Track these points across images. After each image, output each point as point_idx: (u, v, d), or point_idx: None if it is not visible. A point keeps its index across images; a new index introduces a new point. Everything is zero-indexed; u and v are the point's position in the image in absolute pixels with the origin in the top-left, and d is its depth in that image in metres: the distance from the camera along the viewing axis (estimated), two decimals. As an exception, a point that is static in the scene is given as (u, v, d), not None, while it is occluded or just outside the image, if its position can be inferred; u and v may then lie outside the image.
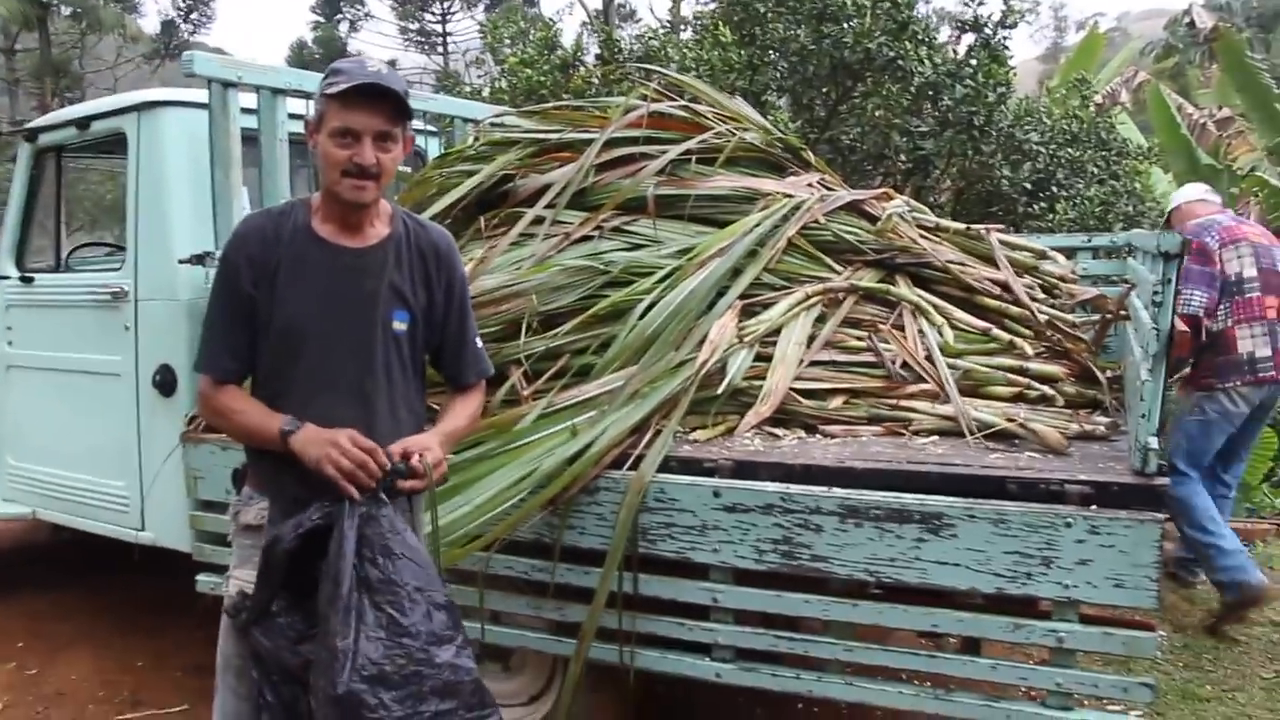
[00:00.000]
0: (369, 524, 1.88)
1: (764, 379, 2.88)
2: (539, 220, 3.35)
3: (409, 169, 4.18)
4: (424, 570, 1.91)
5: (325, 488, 1.92)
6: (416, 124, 4.27)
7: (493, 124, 4.05)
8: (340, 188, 2.02)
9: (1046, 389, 2.91)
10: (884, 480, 2.38)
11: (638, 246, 3.29)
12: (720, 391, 2.80)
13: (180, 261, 3.25)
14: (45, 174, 4.15)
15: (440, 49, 33.70)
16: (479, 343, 2.32)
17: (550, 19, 7.21)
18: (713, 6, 7.09)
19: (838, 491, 2.35)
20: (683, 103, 3.83)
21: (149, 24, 28.68)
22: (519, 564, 2.66)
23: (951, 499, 2.28)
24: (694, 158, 3.52)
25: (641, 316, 2.94)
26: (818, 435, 2.79)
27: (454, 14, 34.29)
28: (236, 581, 2.10)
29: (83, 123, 3.82)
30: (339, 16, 33.88)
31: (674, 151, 3.47)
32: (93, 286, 3.76)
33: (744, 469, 2.49)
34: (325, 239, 2.10)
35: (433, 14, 34.08)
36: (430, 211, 3.46)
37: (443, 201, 3.51)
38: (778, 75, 6.43)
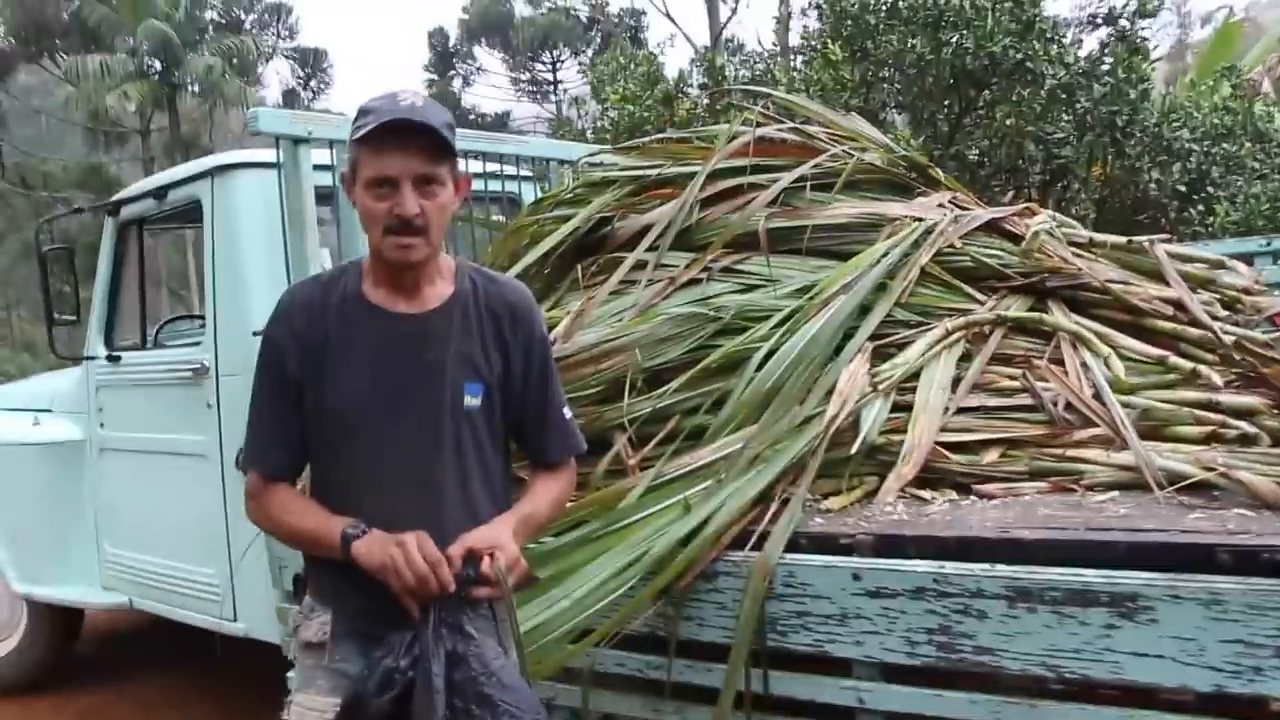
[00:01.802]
0: (457, 668, 1.65)
1: (904, 432, 2.52)
2: (640, 265, 3.08)
3: (502, 218, 3.98)
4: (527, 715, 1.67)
5: (393, 600, 1.68)
6: (510, 169, 4.07)
7: (589, 164, 3.82)
8: (384, 247, 1.78)
9: (1245, 425, 2.47)
10: (1060, 553, 1.99)
11: (751, 288, 2.98)
12: (855, 450, 2.46)
13: (255, 334, 3.07)
14: (129, 248, 4.08)
15: (553, 97, 34.14)
16: (568, 413, 2.05)
17: (651, 52, 7.02)
18: (818, 26, 6.78)
19: (1003, 569, 1.98)
20: (792, 125, 3.53)
21: (272, 94, 29.92)
22: (630, 660, 2.36)
23: (1148, 575, 1.88)
24: (808, 184, 3.21)
25: (759, 367, 2.63)
26: (971, 497, 2.42)
27: (564, 62, 34.78)
28: (299, 709, 1.85)
29: (160, 192, 3.74)
30: (451, 73, 34.68)
31: (786, 179, 3.16)
32: (175, 363, 3.66)
33: (888, 544, 2.14)
34: (378, 305, 1.86)
35: (543, 63, 34.62)
36: (525, 262, 3.24)
37: (537, 250, 3.27)
38: (894, 90, 6.06)
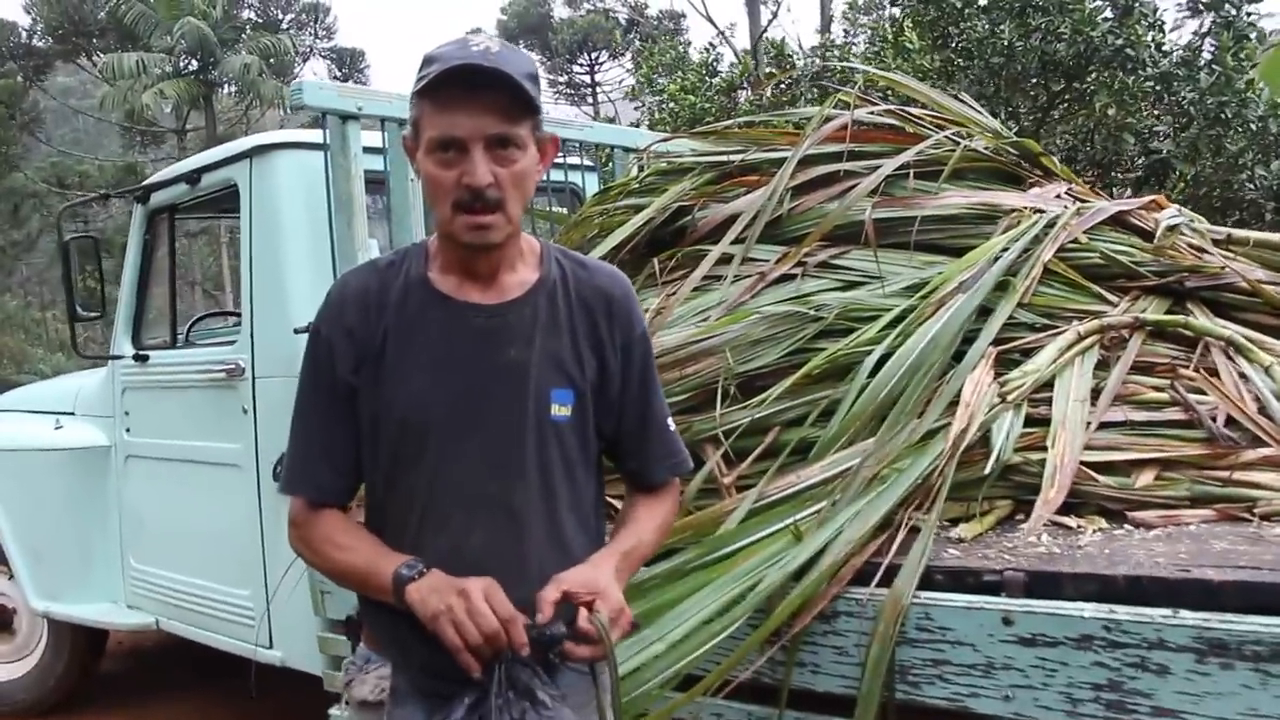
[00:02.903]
0: None
1: (1040, 450, 2.22)
2: (726, 259, 2.79)
3: (564, 210, 3.71)
4: None
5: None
6: (572, 158, 3.80)
7: (658, 152, 3.54)
8: (454, 227, 1.51)
9: None
10: (1260, 598, 1.69)
11: (852, 285, 2.70)
12: (988, 471, 2.16)
13: (296, 331, 2.80)
14: (159, 238, 3.83)
15: (590, 100, 34.01)
16: (672, 426, 1.76)
17: (711, 42, 6.77)
18: (891, 11, 6.46)
19: (1191, 617, 1.67)
20: (887, 107, 3.23)
21: (306, 94, 29.75)
22: (731, 711, 2.06)
23: (1378, 629, 1.57)
24: (911, 172, 2.92)
25: (872, 374, 2.34)
26: (1125, 525, 2.11)
27: (602, 64, 34.66)
28: None
29: (193, 176, 3.49)
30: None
31: (889, 165, 2.87)
32: (207, 364, 3.39)
33: (1042, 583, 1.84)
34: (447, 295, 1.59)
35: (580, 65, 34.53)
36: (593, 255, 2.95)
37: (606, 244, 3.00)
38: (975, 80, 5.74)
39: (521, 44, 34.86)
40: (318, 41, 30.50)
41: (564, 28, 33.59)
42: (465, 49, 1.45)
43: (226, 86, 25.67)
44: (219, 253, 22.06)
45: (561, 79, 34.82)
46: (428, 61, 1.48)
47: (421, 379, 1.56)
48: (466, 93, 1.43)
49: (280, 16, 29.84)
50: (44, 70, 27.30)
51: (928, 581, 1.91)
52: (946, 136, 3.03)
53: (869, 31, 6.68)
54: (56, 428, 4.18)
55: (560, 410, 1.58)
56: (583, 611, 1.42)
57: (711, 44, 7.13)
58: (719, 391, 2.41)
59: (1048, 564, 1.89)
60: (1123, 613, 1.72)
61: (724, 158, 3.16)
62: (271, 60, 25.39)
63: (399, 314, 1.58)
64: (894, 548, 1.98)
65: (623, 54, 33.79)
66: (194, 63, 25.14)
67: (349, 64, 28.46)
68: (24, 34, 27.10)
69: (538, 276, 1.62)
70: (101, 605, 4.06)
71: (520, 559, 1.51)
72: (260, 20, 28.94)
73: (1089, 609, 1.75)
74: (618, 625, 1.45)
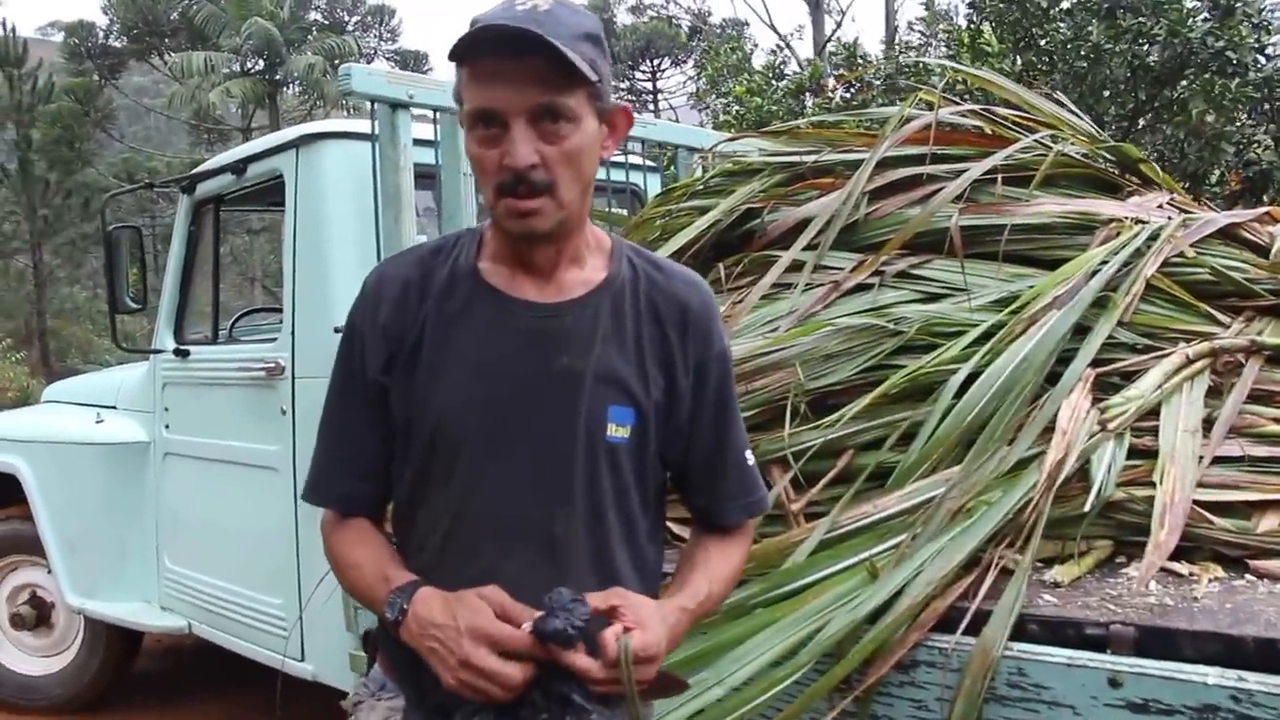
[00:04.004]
0: None
1: (1146, 485, 1.99)
2: (796, 265, 2.59)
3: (624, 211, 3.53)
4: None
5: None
6: (633, 158, 3.62)
7: (723, 152, 3.35)
8: (499, 212, 1.32)
9: None
10: None
11: (934, 297, 2.49)
12: (1088, 507, 1.93)
13: (337, 330, 2.64)
14: (204, 229, 3.71)
15: (652, 106, 33.90)
16: (750, 459, 1.53)
17: (778, 44, 6.56)
18: (968, 13, 6.20)
19: (1338, 690, 1.45)
20: (972, 108, 3.01)
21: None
22: (793, 765, 1.86)
23: None
24: (1000, 177, 2.69)
25: (957, 396, 2.12)
26: (1248, 576, 1.87)
27: (664, 71, 34.57)
28: None
29: (239, 166, 3.36)
30: (547, 78, 34.63)
31: (976, 170, 2.64)
32: (247, 361, 3.25)
33: (1154, 639, 1.62)
34: (497, 289, 1.39)
35: (642, 72, 34.44)
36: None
37: (668, 247, 2.81)
38: (1058, 86, 5.46)
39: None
40: (382, 43, 30.72)
41: (626, 34, 33.49)
42: (510, 8, 1.26)
43: (291, 86, 25.92)
44: (279, 249, 22.30)
45: (623, 85, 34.76)
46: (472, 24, 1.28)
47: (459, 382, 1.37)
48: (505, 58, 1.24)
49: (346, 18, 30.10)
50: (118, 69, 27.81)
51: (1020, 631, 1.70)
52: (1037, 140, 2.80)
53: (945, 35, 6.40)
54: (98, 421, 4.08)
55: (617, 431, 1.38)
56: (616, 628, 1.23)
57: (779, 46, 6.93)
58: (788, 409, 2.21)
59: (1160, 618, 1.67)
60: (1255, 682, 1.49)
61: (795, 159, 2.96)
62: (336, 61, 25.56)
63: (440, 307, 1.40)
64: (982, 591, 1.77)
65: (684, 61, 33.69)
66: (260, 62, 25.42)
67: (412, 66, 28.58)
68: (101, 34, 27.63)
69: (604, 276, 1.42)
70: (135, 605, 3.94)
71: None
72: (326, 21, 29.21)
73: (1213, 674, 1.53)
74: (641, 665, 1.23)
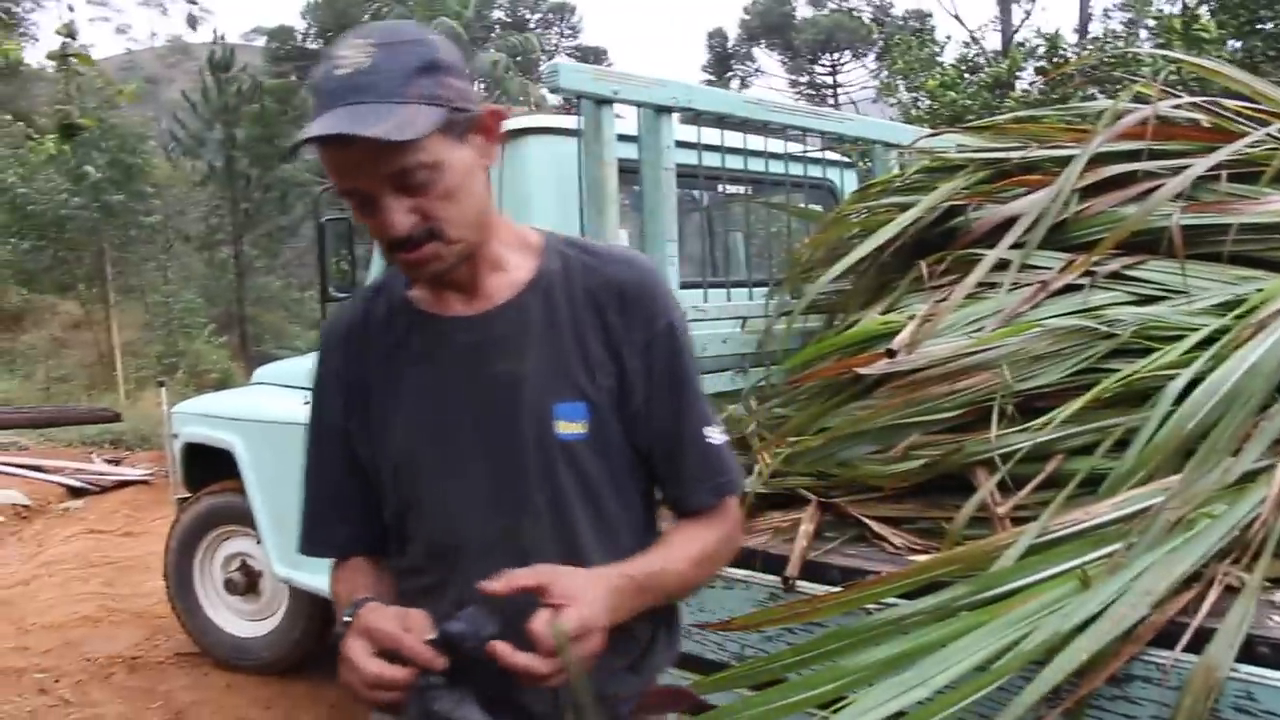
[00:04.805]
0: None
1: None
2: (1001, 265, 2.54)
3: (819, 207, 3.52)
4: None
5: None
6: (830, 154, 3.60)
7: (924, 148, 3.30)
8: (400, 267, 1.32)
9: None
10: None
11: (1150, 299, 2.39)
12: (1324, 525, 1.83)
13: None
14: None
15: (831, 101, 33.52)
16: (715, 437, 1.46)
17: (972, 37, 6.39)
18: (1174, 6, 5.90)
19: None
20: (1194, 100, 2.88)
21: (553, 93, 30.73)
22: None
23: None
24: (1224, 174, 2.57)
25: (1177, 402, 2.04)
26: None
27: (844, 65, 34.13)
28: None
29: None
30: (729, 74, 34.71)
31: (1201, 165, 2.53)
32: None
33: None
34: (430, 313, 1.41)
35: (823, 65, 34.11)
36: (854, 256, 2.78)
37: (867, 244, 2.80)
38: (1282, 78, 5.15)
39: (763, 42, 34.65)
40: (562, 40, 31.37)
41: (807, 27, 33.20)
42: (330, 76, 1.21)
43: (475, 83, 26.80)
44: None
45: (803, 79, 34.47)
46: (313, 90, 1.27)
47: (407, 416, 1.40)
48: (338, 148, 1.20)
49: (528, 16, 30.87)
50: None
51: (1248, 653, 1.63)
52: (1269, 134, 2.66)
53: (1154, 21, 6.09)
54: (305, 403, 4.31)
55: (569, 428, 1.36)
56: (542, 614, 1.18)
57: (973, 38, 6.75)
58: (994, 411, 2.17)
59: None
60: None
61: (1001, 155, 2.90)
62: (518, 58, 26.27)
63: (381, 345, 1.43)
64: (1204, 608, 1.70)
65: (865, 54, 33.15)
66: (447, 60, 26.33)
67: (592, 61, 29.13)
68: (299, 37, 29.18)
69: (533, 272, 1.40)
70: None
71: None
72: (509, 19, 30.05)
73: None
74: (580, 644, 1.18)
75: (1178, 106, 2.85)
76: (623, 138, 2.81)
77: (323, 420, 1.49)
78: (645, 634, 1.47)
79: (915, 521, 2.21)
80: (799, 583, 2.07)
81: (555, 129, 3.08)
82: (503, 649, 1.17)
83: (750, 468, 2.42)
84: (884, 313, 2.63)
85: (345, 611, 1.30)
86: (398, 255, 1.28)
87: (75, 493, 9.66)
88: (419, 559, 1.43)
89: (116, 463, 11.12)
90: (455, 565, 1.38)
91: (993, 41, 18.41)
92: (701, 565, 1.44)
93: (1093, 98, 4.21)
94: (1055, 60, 5.50)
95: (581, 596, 1.20)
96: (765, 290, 3.21)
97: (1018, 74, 5.82)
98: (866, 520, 2.15)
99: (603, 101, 2.69)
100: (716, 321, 2.96)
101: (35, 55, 22.49)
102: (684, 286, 2.92)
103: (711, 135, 3.17)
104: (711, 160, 3.15)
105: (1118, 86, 3.65)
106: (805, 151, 3.45)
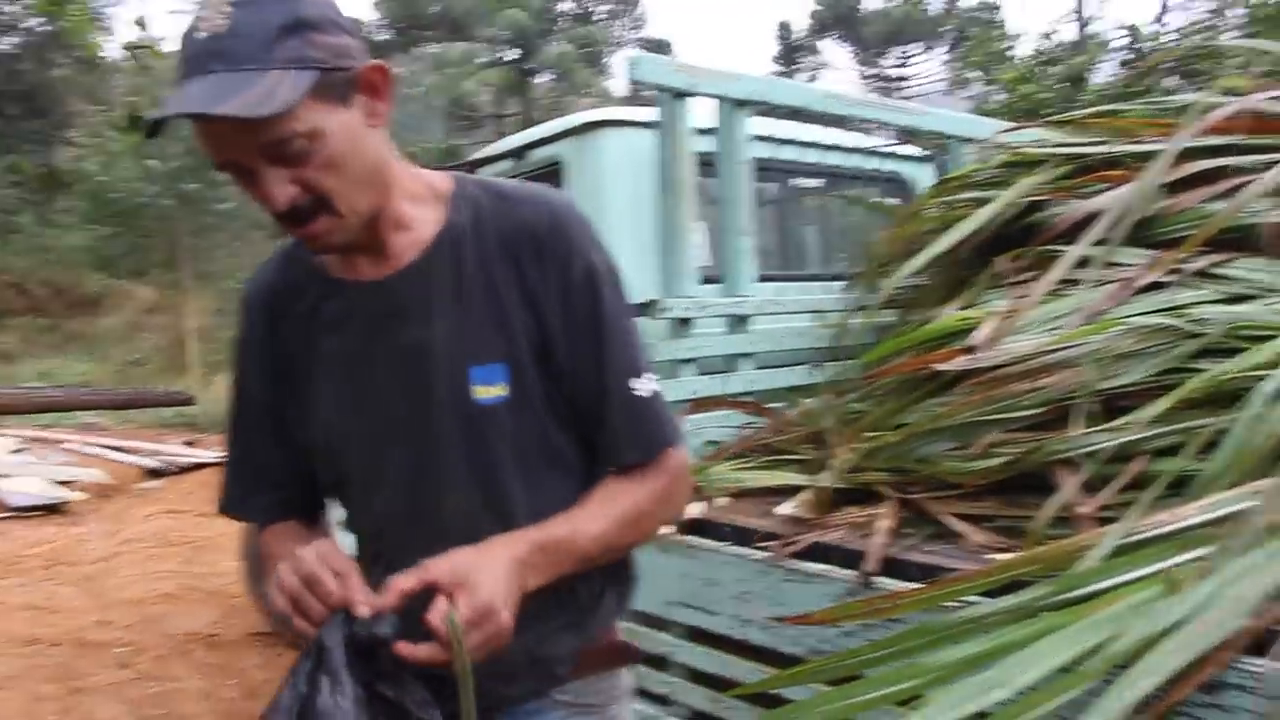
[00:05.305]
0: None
1: None
2: (1085, 261, 2.50)
3: (896, 200, 3.49)
4: None
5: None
6: (908, 149, 3.57)
7: (1003, 143, 3.25)
8: (296, 240, 1.26)
9: None
10: None
11: (1239, 298, 2.34)
12: None
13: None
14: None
15: (900, 93, 33.13)
16: (643, 386, 1.34)
17: (1051, 29, 6.29)
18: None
19: None
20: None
21: (618, 84, 31.00)
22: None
23: None
24: (1319, 169, 2.50)
25: (1269, 404, 1.99)
26: None
27: (914, 57, 33.71)
28: None
29: (519, 152, 3.53)
30: (795, 66, 34.48)
31: (1291, 160, 2.46)
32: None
33: None
34: (340, 279, 1.33)
35: (891, 58, 33.73)
36: (931, 252, 2.74)
37: (945, 239, 2.77)
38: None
39: (831, 36, 34.32)
40: (628, 31, 31.37)
41: (877, 19, 32.83)
42: (189, 42, 1.11)
43: (542, 74, 26.95)
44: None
45: (871, 71, 34.12)
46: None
47: (327, 390, 1.34)
48: (202, 121, 1.11)
49: (594, 7, 30.91)
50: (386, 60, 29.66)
51: (1347, 662, 1.59)
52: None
53: (1246, 8, 5.91)
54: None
55: (488, 391, 1.26)
56: (438, 603, 1.13)
57: (1052, 30, 6.63)
58: (1076, 410, 2.14)
59: None
60: None
61: (1083, 150, 2.85)
62: (584, 49, 26.34)
63: (295, 314, 1.36)
64: (1299, 615, 1.66)
65: (935, 46, 32.71)
66: (513, 52, 26.51)
67: (657, 53, 29.17)
68: (372, 29, 29.53)
69: (439, 226, 1.30)
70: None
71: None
72: (577, 11, 30.11)
73: None
74: (480, 628, 1.13)
75: (1273, 99, 2.78)
76: (698, 130, 2.81)
77: (246, 390, 1.42)
78: (588, 591, 1.41)
79: (994, 519, 2.18)
80: (876, 579, 2.06)
81: (630, 121, 3.09)
82: (405, 649, 1.13)
83: (826, 462, 2.41)
84: (962, 309, 2.60)
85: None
86: (291, 229, 1.20)
87: (153, 473, 9.91)
88: (364, 540, 1.41)
89: (192, 444, 11.37)
90: (387, 539, 1.36)
91: (1067, 32, 18.08)
92: (629, 525, 1.34)
93: (1174, 91, 4.11)
94: (1136, 51, 5.39)
95: (475, 580, 1.14)
96: (839, 284, 3.20)
97: (1096, 66, 5.71)
98: (945, 517, 2.13)
99: (680, 94, 2.69)
100: (792, 316, 2.96)
101: (113, 48, 22.94)
102: (760, 279, 2.91)
103: (770, 126, 3.16)
104: (786, 154, 3.14)
105: (1204, 79, 3.56)
106: (880, 146, 3.42)
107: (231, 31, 1.09)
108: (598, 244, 1.34)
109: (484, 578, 1.15)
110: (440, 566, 1.16)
